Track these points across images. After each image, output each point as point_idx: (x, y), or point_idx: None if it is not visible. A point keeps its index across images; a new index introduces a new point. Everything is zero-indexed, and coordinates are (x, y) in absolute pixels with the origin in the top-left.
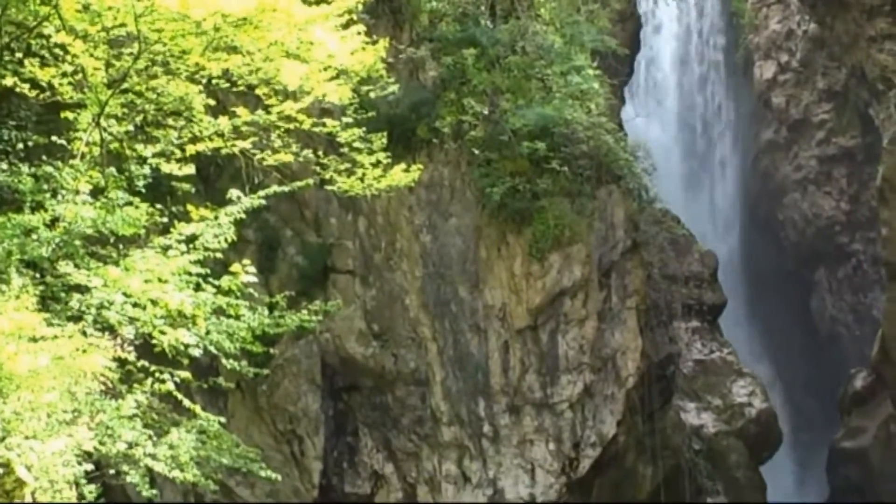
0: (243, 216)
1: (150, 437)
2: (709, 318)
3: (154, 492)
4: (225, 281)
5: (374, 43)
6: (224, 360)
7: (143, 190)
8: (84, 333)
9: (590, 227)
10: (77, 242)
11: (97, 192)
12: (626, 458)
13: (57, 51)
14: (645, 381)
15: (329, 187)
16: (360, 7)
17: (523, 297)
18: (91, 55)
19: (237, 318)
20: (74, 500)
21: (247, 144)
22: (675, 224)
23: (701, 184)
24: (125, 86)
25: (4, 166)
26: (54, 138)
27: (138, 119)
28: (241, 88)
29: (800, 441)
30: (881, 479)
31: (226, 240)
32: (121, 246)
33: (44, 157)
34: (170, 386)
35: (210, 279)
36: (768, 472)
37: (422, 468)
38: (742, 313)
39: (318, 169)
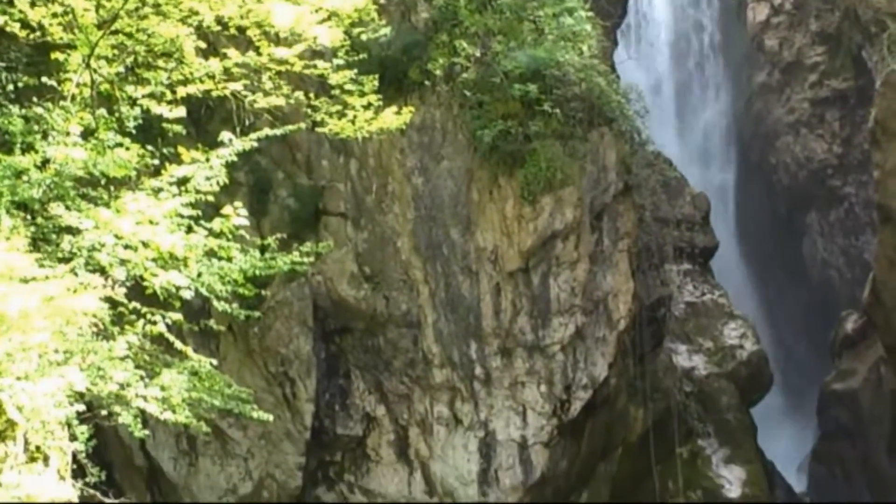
0: (235, 159)
1: (141, 378)
2: (700, 261)
3: (146, 432)
4: (216, 223)
5: None
6: (216, 303)
7: (134, 132)
8: (75, 275)
9: (581, 169)
10: (68, 184)
11: (88, 133)
12: (617, 400)
13: None
14: (636, 324)
15: (320, 130)
16: None
17: (515, 240)
18: None
19: (229, 260)
20: (66, 441)
21: (238, 86)
22: (668, 167)
23: (693, 127)
24: (115, 27)
25: None
26: (44, 79)
27: (129, 60)
28: (233, 31)
29: (790, 384)
30: (871, 422)
31: (217, 182)
32: (112, 188)
33: (34, 99)
34: (161, 328)
35: (201, 222)
36: (759, 415)
37: (413, 410)
38: (733, 256)
39: (309, 111)
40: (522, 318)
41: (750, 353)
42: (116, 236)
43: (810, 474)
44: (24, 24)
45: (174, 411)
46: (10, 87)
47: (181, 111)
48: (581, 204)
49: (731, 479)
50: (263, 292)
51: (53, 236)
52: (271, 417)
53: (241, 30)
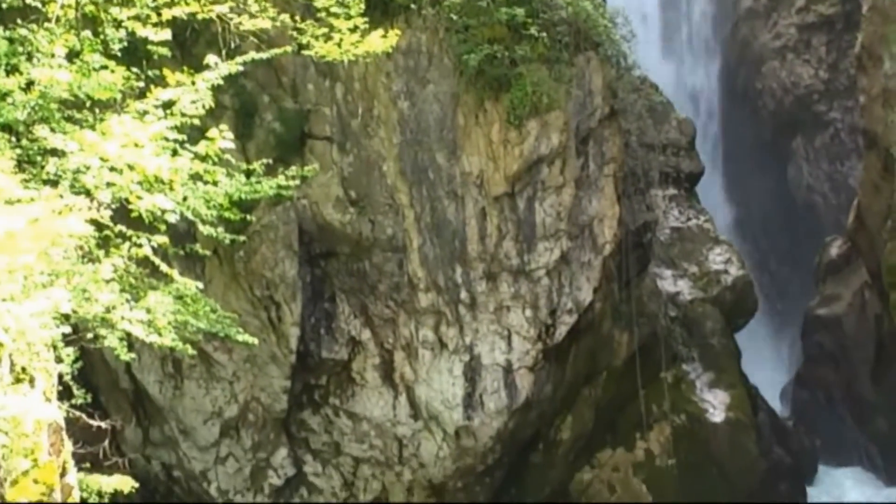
0: (220, 82)
1: (127, 301)
2: (686, 186)
3: (132, 356)
4: (202, 147)
5: None
6: (201, 226)
7: (119, 54)
8: (60, 197)
9: (567, 94)
10: (53, 106)
11: (73, 55)
12: (602, 324)
13: None
14: (622, 249)
15: (306, 53)
16: None
17: (501, 164)
18: None
19: (214, 184)
20: (52, 362)
21: (223, 8)
22: (654, 91)
23: (679, 52)
24: None
25: None
26: (29, 0)
27: None
28: None
29: (775, 309)
30: (854, 347)
31: (203, 106)
32: (97, 110)
33: (18, 20)
34: (147, 251)
35: (187, 145)
36: (743, 340)
37: (399, 334)
38: (719, 182)
39: (295, 34)
40: (508, 242)
41: (735, 279)
42: (102, 159)
43: (793, 399)
44: None
45: (160, 334)
46: None
47: (166, 34)
48: (567, 128)
49: (715, 404)
50: (249, 216)
51: (38, 158)
52: (256, 341)
53: None
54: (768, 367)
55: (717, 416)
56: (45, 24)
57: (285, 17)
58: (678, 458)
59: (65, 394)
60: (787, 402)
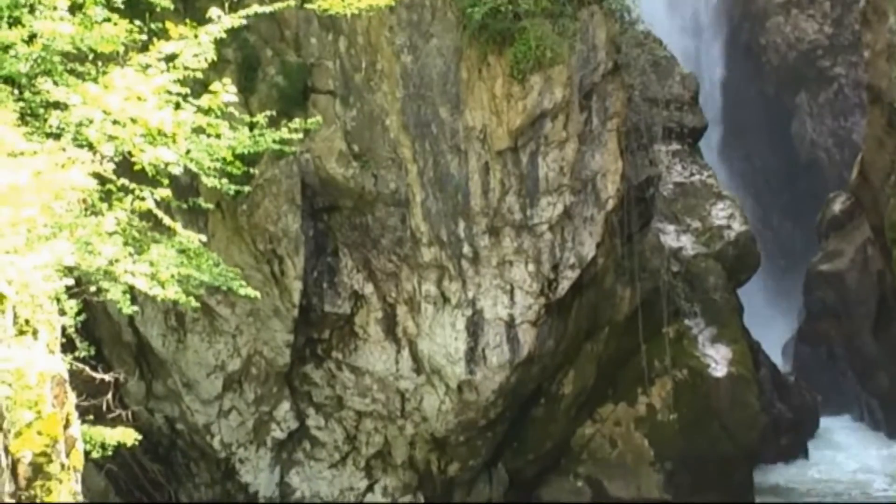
0: (223, 35)
1: (130, 254)
2: (689, 141)
3: (135, 308)
4: (205, 100)
5: None
6: (204, 179)
7: (122, 7)
8: (63, 150)
9: (571, 48)
10: (55, 59)
11: (75, 8)
12: (604, 279)
13: None
14: (624, 204)
15: (309, 6)
16: None
17: (504, 119)
18: None
19: (217, 137)
20: (55, 315)
21: None
22: (658, 46)
23: (684, 4)
24: None
25: None
26: None
27: None
28: None
29: (777, 265)
30: (856, 302)
31: (205, 59)
32: (100, 63)
33: None
34: (149, 204)
35: (190, 99)
36: (745, 295)
37: (401, 288)
38: (722, 137)
39: None
40: (511, 197)
41: (737, 234)
42: (104, 112)
43: (795, 354)
44: None
45: (163, 287)
46: None
47: None
48: (570, 83)
49: (717, 359)
50: (252, 170)
51: (41, 111)
52: (259, 295)
53: None
54: (770, 322)
55: (718, 370)
56: None
57: None
58: (679, 413)
59: (68, 346)
60: (788, 358)
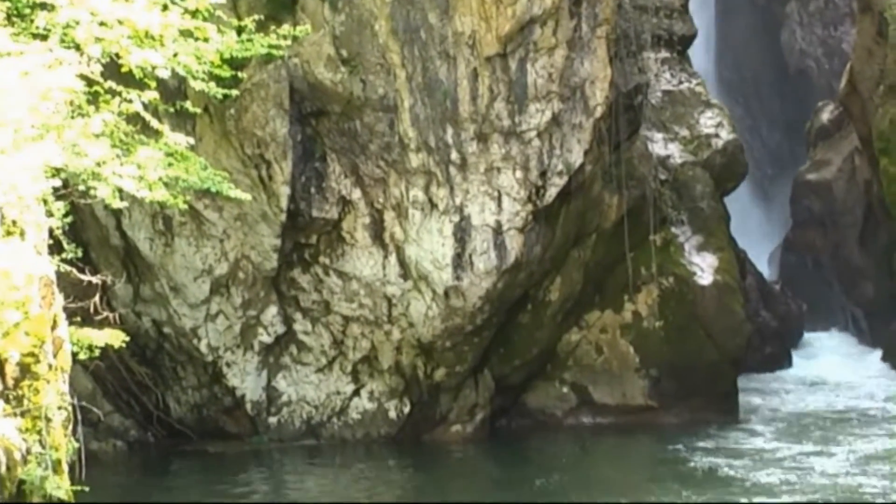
0: None
1: (117, 156)
2: (678, 49)
3: (124, 203)
4: (192, 2)
5: None
6: (192, 82)
7: None
8: (50, 51)
9: None
10: None
11: None
12: (592, 187)
13: None
14: (613, 111)
15: None
16: None
17: (493, 25)
18: None
19: (205, 40)
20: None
21: None
22: None
23: None
24: None
25: None
26: None
27: None
28: None
29: (765, 174)
30: (843, 212)
31: None
32: None
33: None
34: (137, 107)
35: (177, 1)
36: (732, 204)
37: (389, 194)
38: (712, 46)
39: None
40: (499, 103)
41: (725, 142)
42: (91, 13)
43: (781, 263)
44: None
45: (150, 189)
46: None
47: None
48: None
49: (703, 266)
50: (240, 74)
51: (28, 11)
52: (249, 196)
53: None
54: (757, 231)
55: (704, 278)
56: None
57: None
58: (665, 320)
59: (55, 248)
60: (774, 267)
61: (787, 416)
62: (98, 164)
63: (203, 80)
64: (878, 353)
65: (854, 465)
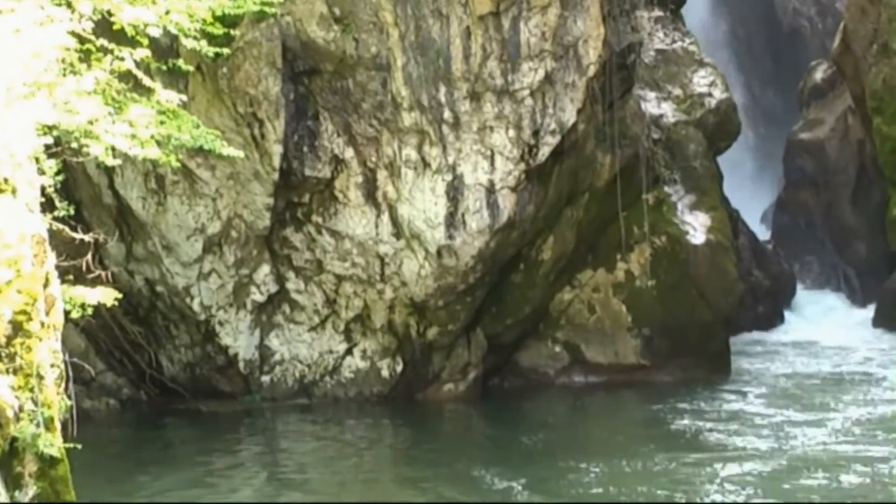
0: None
1: (109, 113)
2: (672, 8)
3: (117, 161)
4: None
5: None
6: (184, 40)
7: None
8: (41, 9)
9: None
10: None
11: None
12: (585, 146)
13: None
14: (606, 70)
15: None
16: None
17: None
18: None
19: None
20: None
21: None
22: None
23: None
24: None
25: None
26: None
27: None
28: None
29: (758, 133)
30: (836, 171)
31: None
32: None
33: None
34: (129, 65)
35: None
36: (725, 163)
37: (382, 153)
38: (705, 5)
39: None
40: (492, 62)
41: (718, 101)
42: None
43: (774, 222)
44: None
45: (142, 147)
46: None
47: None
48: None
49: (696, 226)
50: (232, 32)
51: None
52: (242, 154)
53: None
54: (750, 190)
55: (697, 237)
56: None
57: None
58: (658, 279)
59: (47, 206)
60: (767, 226)
61: (777, 376)
62: (90, 122)
63: (195, 38)
64: (870, 312)
65: (844, 431)
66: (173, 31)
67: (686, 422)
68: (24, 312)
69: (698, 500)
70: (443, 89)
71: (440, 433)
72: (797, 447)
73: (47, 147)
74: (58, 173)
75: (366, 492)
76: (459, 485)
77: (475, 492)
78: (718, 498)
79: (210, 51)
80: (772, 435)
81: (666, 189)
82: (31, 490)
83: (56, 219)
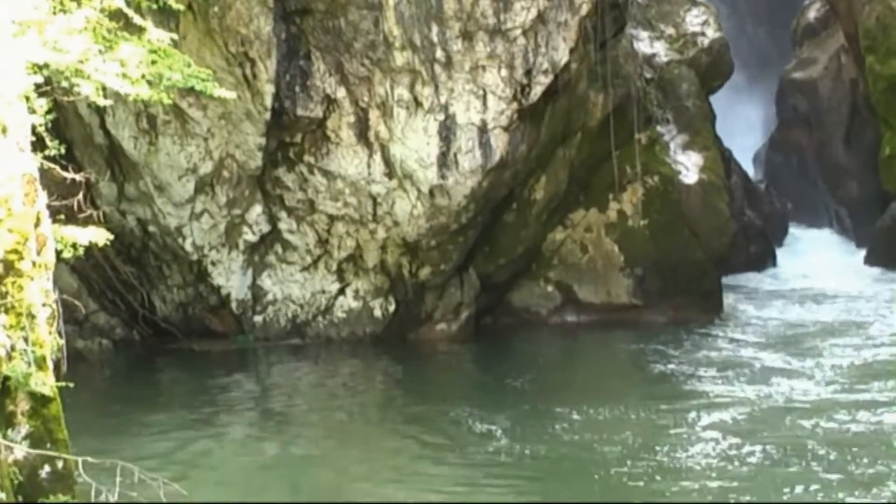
0: None
1: (100, 51)
2: None
3: (108, 101)
4: None
5: None
6: None
7: None
8: None
9: None
10: None
11: None
12: (577, 85)
13: None
14: (598, 9)
15: None
16: None
17: None
18: None
19: None
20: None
21: None
22: None
23: None
24: None
25: None
26: None
27: None
28: None
29: (750, 73)
30: (828, 110)
31: None
32: None
33: None
34: (119, 3)
35: None
36: (718, 102)
37: (374, 93)
38: None
39: None
40: (484, 1)
41: (711, 41)
42: None
43: (766, 162)
44: None
45: (133, 85)
46: None
47: None
48: None
49: (689, 165)
50: None
51: None
52: (234, 95)
53: None
54: (742, 130)
55: (689, 177)
56: None
57: None
58: (650, 219)
59: (38, 145)
60: (759, 166)
61: (767, 318)
62: (81, 61)
63: None
64: (862, 252)
65: (833, 376)
66: None
67: (674, 366)
68: (15, 252)
69: (702, 502)
70: (435, 28)
71: (429, 374)
72: (783, 394)
73: (38, 86)
74: (48, 112)
75: (345, 436)
76: (439, 428)
77: (454, 436)
78: (699, 447)
79: None
80: (760, 380)
81: (658, 129)
82: (23, 429)
83: (47, 158)
